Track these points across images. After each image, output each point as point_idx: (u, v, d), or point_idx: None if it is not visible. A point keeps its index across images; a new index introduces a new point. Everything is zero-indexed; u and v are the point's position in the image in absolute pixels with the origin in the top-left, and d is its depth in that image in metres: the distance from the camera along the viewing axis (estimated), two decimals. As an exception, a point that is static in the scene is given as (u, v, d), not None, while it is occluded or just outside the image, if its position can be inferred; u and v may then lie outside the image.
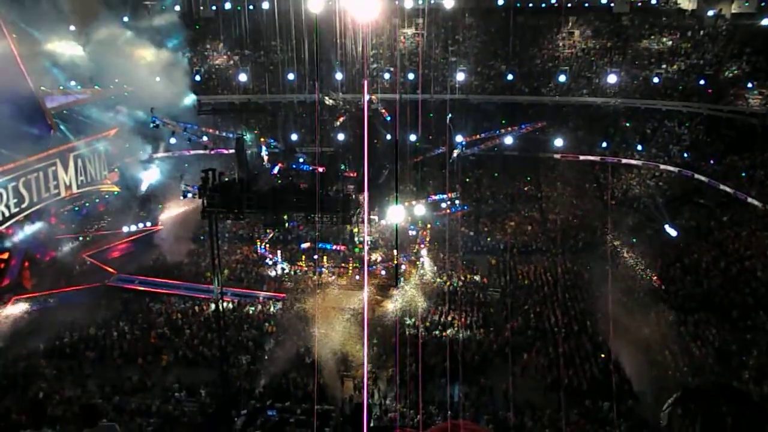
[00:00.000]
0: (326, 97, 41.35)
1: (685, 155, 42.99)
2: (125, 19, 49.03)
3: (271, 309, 32.77)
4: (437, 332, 29.44)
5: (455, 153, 40.63)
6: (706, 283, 31.31)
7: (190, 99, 46.29)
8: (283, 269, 36.62)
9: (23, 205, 33.95)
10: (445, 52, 52.36)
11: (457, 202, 40.38)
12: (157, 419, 23.48)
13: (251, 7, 53.57)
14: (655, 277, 33.21)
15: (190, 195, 29.28)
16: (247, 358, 27.90)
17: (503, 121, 45.80)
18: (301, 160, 41.80)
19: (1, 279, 32.94)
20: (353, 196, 29.24)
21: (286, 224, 36.00)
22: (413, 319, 30.55)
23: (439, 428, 2.82)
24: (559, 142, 45.79)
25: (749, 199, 35.70)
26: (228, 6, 55.52)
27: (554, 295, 33.04)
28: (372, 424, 22.10)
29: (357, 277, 34.36)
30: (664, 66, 48.08)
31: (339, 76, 47.84)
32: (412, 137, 40.35)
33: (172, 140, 43.96)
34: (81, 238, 38.96)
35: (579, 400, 24.13)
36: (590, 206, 43.80)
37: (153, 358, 28.19)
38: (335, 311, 30.45)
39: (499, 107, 49.19)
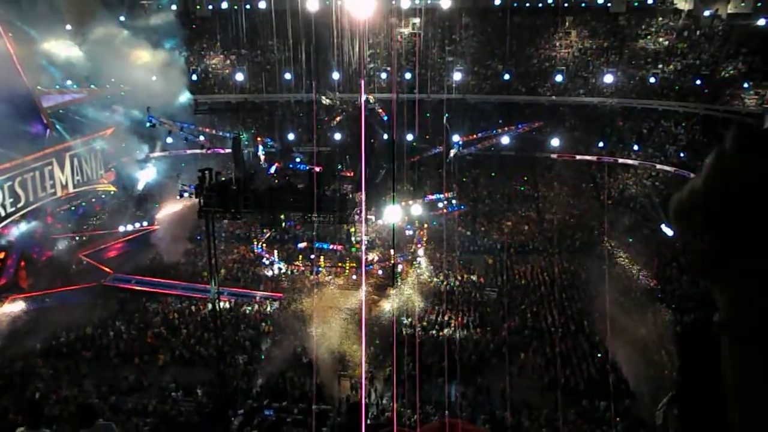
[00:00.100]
0: (323, 97, 41.30)
1: (682, 155, 43.05)
2: (122, 18, 48.88)
3: (268, 309, 32.76)
4: (434, 332, 29.46)
5: (452, 153, 40.63)
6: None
7: (185, 97, 46.19)
8: (279, 269, 36.58)
9: (19, 205, 33.85)
10: (442, 51, 52.36)
11: (453, 201, 40.41)
12: (154, 419, 23.47)
13: (248, 6, 53.49)
14: (650, 278, 33.28)
15: (186, 194, 29.26)
16: (243, 357, 27.89)
17: (500, 121, 45.82)
18: (297, 159, 41.78)
19: (-2, 279, 32.90)
20: (350, 196, 29.26)
21: (283, 224, 35.98)
22: (410, 319, 30.58)
23: (435, 425, 2.81)
24: (555, 142, 45.85)
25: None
26: (225, 5, 55.41)
27: (551, 295, 33.08)
28: (368, 422, 22.09)
29: (354, 277, 34.34)
30: (660, 66, 48.15)
31: (336, 75, 47.81)
32: (409, 137, 40.34)
33: (169, 140, 43.88)
34: (77, 238, 38.90)
35: (576, 400, 24.17)
36: (587, 206, 43.86)
37: (150, 358, 28.16)
38: (332, 311, 30.44)
39: (495, 107, 49.20)
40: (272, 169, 39.05)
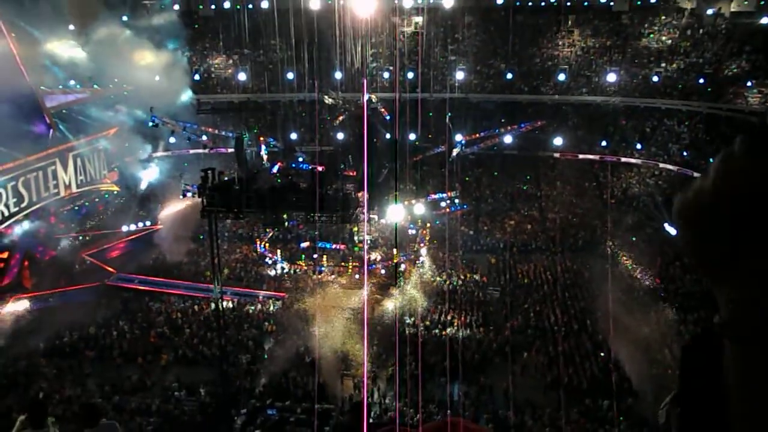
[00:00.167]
0: (326, 96, 41.31)
1: (685, 154, 42.97)
2: (124, 18, 48.95)
3: (271, 308, 32.78)
4: (437, 331, 29.46)
5: (455, 152, 40.60)
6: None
7: (187, 96, 46.24)
8: (282, 268, 36.60)
9: (23, 205, 33.93)
10: (444, 50, 52.32)
11: (456, 201, 40.37)
12: (157, 418, 23.51)
13: (250, 6, 53.48)
14: (653, 276, 33.23)
15: (189, 194, 29.28)
16: (246, 357, 27.92)
17: (503, 120, 45.77)
18: (300, 159, 41.73)
19: (1, 278, 32.93)
20: (353, 195, 29.23)
21: (286, 223, 35.96)
22: (413, 318, 30.57)
23: (437, 424, 2.81)
24: (558, 141, 45.80)
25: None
26: (227, 5, 55.42)
27: (554, 294, 33.06)
28: (371, 422, 22.10)
29: (357, 276, 34.35)
30: (663, 65, 48.04)
31: (338, 75, 47.82)
32: (412, 136, 40.33)
33: (172, 139, 43.90)
34: (80, 238, 38.97)
35: (579, 399, 24.16)
36: (590, 205, 43.81)
37: (153, 358, 28.22)
38: (335, 310, 30.46)
39: (498, 106, 49.18)
40: (275, 169, 38.97)
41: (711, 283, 0.92)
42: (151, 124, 38.77)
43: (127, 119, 42.43)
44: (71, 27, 44.93)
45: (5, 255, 33.31)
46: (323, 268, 35.58)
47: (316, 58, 47.79)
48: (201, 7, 57.36)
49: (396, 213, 32.50)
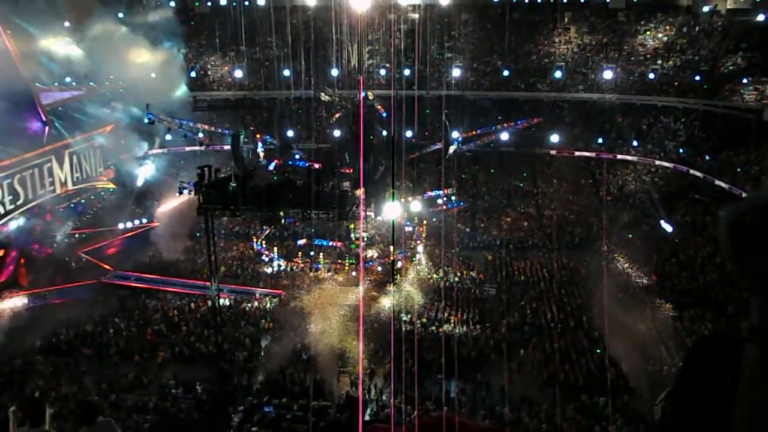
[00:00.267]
0: (322, 94, 41.28)
1: (681, 151, 43.05)
2: (120, 15, 48.77)
3: (268, 305, 32.77)
4: (433, 328, 29.50)
5: (451, 149, 40.61)
6: (701, 278, 31.40)
7: (183, 92, 46.13)
8: (279, 266, 36.60)
9: (19, 202, 33.87)
10: (441, 48, 52.27)
11: (453, 198, 40.39)
12: (154, 416, 23.50)
13: (246, 2, 53.34)
14: (649, 273, 33.30)
15: (186, 191, 29.28)
16: (243, 354, 27.92)
17: (499, 117, 45.81)
18: (297, 156, 41.69)
19: (-3, 276, 32.93)
20: (349, 193, 29.24)
21: (283, 221, 35.94)
22: (409, 315, 30.60)
23: (432, 420, 2.82)
24: (554, 138, 45.84)
25: (744, 195, 35.79)
26: (223, 2, 55.27)
27: (550, 291, 33.14)
28: (366, 419, 22.14)
29: (353, 274, 34.36)
30: (659, 62, 48.07)
31: (335, 72, 47.75)
32: (408, 133, 40.32)
33: (168, 137, 43.70)
34: (77, 235, 38.88)
35: (575, 396, 24.23)
36: (586, 202, 43.89)
37: (149, 355, 28.21)
38: (332, 308, 30.47)
39: (495, 103, 49.18)
40: (271, 166, 38.96)
41: (748, 292, 0.93)
42: (147, 121, 38.66)
43: (123, 116, 42.34)
44: (67, 24, 44.70)
45: (1, 252, 33.27)
46: (320, 266, 35.60)
47: (313, 55, 47.70)
48: (197, 3, 57.18)
49: (393, 210, 32.50)
